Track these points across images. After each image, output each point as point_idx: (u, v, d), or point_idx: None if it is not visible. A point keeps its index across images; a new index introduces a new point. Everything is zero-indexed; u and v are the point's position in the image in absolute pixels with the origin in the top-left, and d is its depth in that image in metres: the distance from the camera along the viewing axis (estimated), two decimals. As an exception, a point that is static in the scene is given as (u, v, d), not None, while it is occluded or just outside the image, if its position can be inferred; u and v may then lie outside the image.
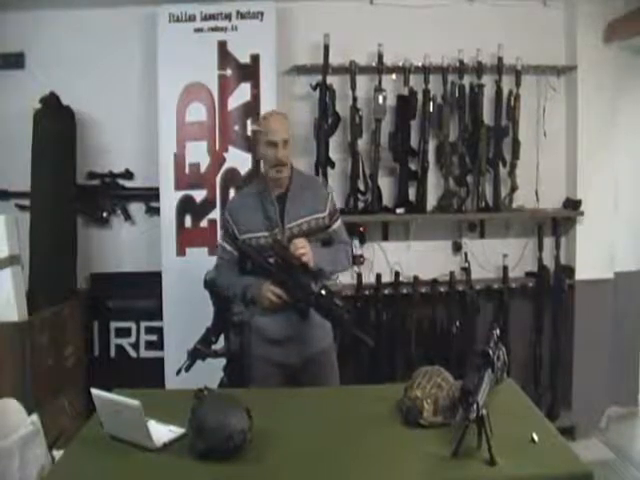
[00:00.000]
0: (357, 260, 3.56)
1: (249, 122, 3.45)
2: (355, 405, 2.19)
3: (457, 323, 3.68)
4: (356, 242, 3.59)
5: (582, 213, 3.71)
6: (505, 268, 3.74)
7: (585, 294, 3.74)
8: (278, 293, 2.35)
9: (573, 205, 3.73)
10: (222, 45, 3.44)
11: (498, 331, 2.16)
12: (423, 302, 3.69)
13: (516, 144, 3.65)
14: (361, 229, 3.67)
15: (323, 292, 2.33)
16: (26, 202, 3.52)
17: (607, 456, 3.52)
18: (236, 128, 3.47)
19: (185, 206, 3.47)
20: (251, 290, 2.41)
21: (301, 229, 2.43)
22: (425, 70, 3.58)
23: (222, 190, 3.47)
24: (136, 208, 3.74)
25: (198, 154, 3.46)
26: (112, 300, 3.71)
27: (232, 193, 3.45)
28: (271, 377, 2.49)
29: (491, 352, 2.00)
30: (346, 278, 3.55)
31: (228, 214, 2.52)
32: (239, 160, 3.46)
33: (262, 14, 3.43)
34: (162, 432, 1.91)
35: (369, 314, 3.64)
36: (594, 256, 3.76)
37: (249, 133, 3.45)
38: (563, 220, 3.79)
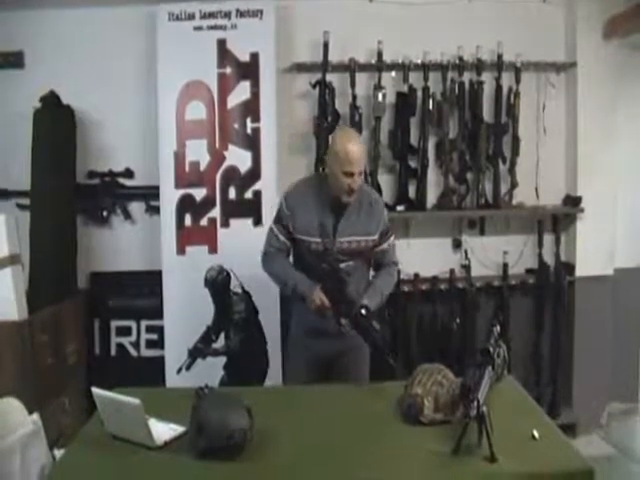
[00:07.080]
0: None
1: (249, 120, 3.45)
2: (356, 403, 2.19)
3: (457, 320, 3.68)
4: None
5: (582, 210, 3.71)
6: (505, 265, 3.74)
7: (585, 291, 3.74)
8: (325, 303, 2.39)
9: (573, 202, 3.73)
10: (221, 43, 3.43)
11: (498, 328, 2.17)
12: (423, 299, 3.69)
13: (516, 141, 3.65)
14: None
15: (363, 312, 2.35)
16: (26, 201, 3.52)
17: (608, 452, 3.52)
18: (236, 126, 3.46)
19: (185, 205, 3.46)
20: (302, 287, 2.45)
21: (350, 246, 2.47)
22: (425, 67, 3.57)
23: (222, 188, 3.46)
24: (136, 207, 3.74)
25: (198, 152, 3.46)
26: (112, 299, 3.72)
27: (232, 191, 3.46)
28: (306, 365, 2.59)
29: (491, 349, 2.01)
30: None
31: (286, 207, 2.51)
32: (239, 158, 3.46)
33: (261, 12, 3.42)
34: (163, 430, 1.92)
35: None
36: (594, 253, 3.75)
37: (249, 131, 3.45)
38: (563, 217, 3.79)
